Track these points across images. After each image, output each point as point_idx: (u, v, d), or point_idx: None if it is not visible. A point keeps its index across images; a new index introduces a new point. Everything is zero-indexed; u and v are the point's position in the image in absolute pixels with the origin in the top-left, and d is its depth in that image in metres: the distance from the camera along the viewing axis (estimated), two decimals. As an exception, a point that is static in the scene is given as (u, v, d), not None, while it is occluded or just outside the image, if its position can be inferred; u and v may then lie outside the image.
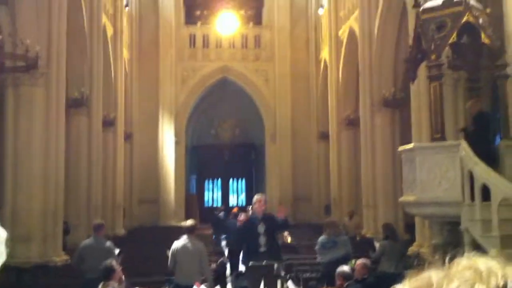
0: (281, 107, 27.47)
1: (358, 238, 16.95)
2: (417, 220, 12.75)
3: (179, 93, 27.25)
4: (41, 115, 13.10)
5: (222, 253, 15.47)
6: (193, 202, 28.04)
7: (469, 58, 8.82)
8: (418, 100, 12.35)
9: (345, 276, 7.33)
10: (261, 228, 9.27)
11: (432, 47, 7.74)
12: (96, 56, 17.63)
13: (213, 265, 11.66)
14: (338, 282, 7.36)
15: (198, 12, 29.33)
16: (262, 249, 9.21)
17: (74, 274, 10.11)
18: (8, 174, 12.73)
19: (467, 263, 1.02)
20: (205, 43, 27.93)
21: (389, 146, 17.00)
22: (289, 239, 16.39)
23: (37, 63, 11.74)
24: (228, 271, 13.92)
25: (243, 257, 9.95)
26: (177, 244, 9.03)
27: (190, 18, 28.77)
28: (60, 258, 13.11)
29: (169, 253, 9.19)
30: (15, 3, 12.91)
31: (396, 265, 10.11)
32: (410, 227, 14.50)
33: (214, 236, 19.59)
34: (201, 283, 8.64)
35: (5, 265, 2.99)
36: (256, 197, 9.73)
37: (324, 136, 24.84)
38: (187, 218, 21.13)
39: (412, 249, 12.77)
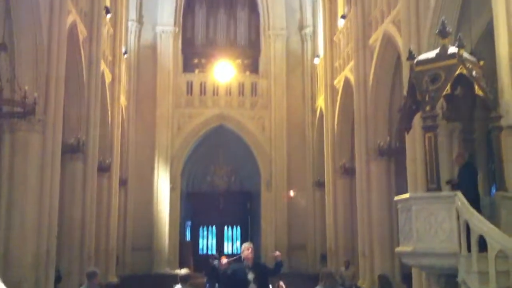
0: (277, 155, 27.55)
1: (354, 289, 16.71)
2: (414, 271, 12.60)
3: (175, 140, 27.35)
4: (36, 161, 13.09)
5: (216, 303, 15.16)
6: (187, 250, 27.69)
7: (463, 109, 8.92)
8: (413, 150, 12.42)
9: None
10: (250, 276, 9.14)
11: (427, 98, 7.83)
12: (94, 102, 17.75)
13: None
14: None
15: (195, 60, 29.75)
16: (252, 297, 9.03)
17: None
18: (1, 218, 12.62)
19: None
20: (202, 90, 28.24)
21: (385, 195, 16.99)
22: (284, 289, 16.10)
23: (34, 109, 11.81)
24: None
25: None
26: (171, 293, 8.87)
27: (188, 66, 29.20)
28: (51, 307, 12.87)
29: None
30: (15, 49, 13.07)
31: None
32: (407, 278, 14.33)
33: (207, 285, 19.26)
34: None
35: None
36: (244, 245, 9.64)
37: (319, 184, 24.82)
38: (181, 265, 20.90)
39: (408, 301, 12.59)
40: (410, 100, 8.62)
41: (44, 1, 13.63)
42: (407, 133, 10.76)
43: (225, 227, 34.03)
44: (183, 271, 9.32)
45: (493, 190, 8.82)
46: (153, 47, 27.74)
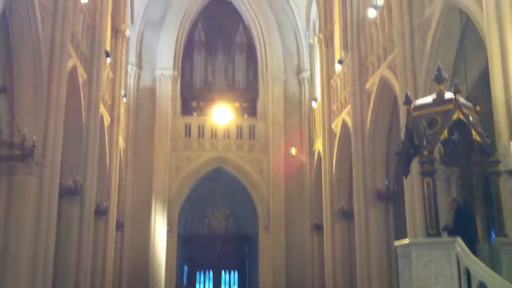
0: (275, 198, 27.43)
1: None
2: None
3: (173, 182, 27.26)
4: (33, 204, 13.03)
5: None
6: (183, 294, 27.30)
7: (460, 154, 8.93)
8: (411, 194, 12.38)
9: None
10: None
11: (424, 143, 7.85)
12: (92, 145, 17.77)
13: None
14: None
15: (194, 103, 29.99)
16: None
17: None
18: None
19: None
20: (201, 133, 28.34)
21: (383, 239, 16.87)
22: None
23: (33, 152, 11.79)
24: None
25: None
26: None
27: (186, 109, 29.39)
28: None
29: None
30: (15, 92, 13.15)
31: None
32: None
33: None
34: None
35: None
36: None
37: (318, 227, 24.64)
38: (177, 311, 20.43)
39: None
40: (408, 144, 8.64)
41: (45, 45, 13.81)
42: (405, 177, 10.74)
43: (222, 271, 33.60)
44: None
45: (493, 236, 8.72)
46: (152, 90, 27.98)
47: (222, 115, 27.72)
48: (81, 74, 17.22)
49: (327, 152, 22.49)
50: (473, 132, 8.10)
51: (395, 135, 16.28)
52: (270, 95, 28.68)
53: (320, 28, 24.17)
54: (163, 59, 28.32)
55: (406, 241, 8.18)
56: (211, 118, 28.02)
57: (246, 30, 30.17)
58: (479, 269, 6.97)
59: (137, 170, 26.52)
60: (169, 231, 26.56)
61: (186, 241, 31.21)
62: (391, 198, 16.97)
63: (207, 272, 33.65)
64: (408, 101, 8.51)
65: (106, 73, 20.70)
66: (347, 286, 20.26)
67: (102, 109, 19.68)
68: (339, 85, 21.99)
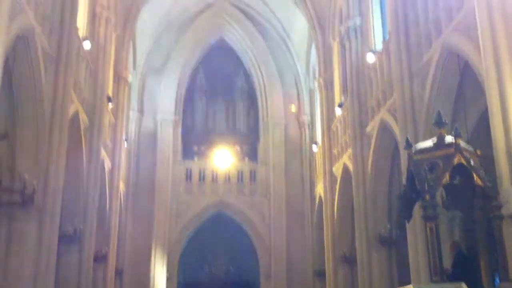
0: (277, 244, 27.16)
1: None
2: None
3: (173, 228, 27.05)
4: (32, 251, 12.85)
5: None
6: None
7: (463, 198, 8.89)
8: (414, 239, 12.24)
9: None
10: None
11: (426, 187, 7.81)
12: (92, 190, 17.69)
13: None
14: None
15: (195, 148, 30.01)
16: None
17: None
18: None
19: None
20: (201, 177, 28.33)
21: (387, 284, 16.59)
22: None
23: (33, 198, 11.75)
24: None
25: None
26: None
27: (187, 153, 29.41)
28: None
29: None
30: (16, 137, 13.14)
31: None
32: None
33: None
34: None
35: None
36: None
37: (320, 274, 24.27)
38: None
39: None
40: (410, 188, 8.61)
41: (47, 91, 13.88)
42: (408, 222, 10.65)
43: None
44: None
45: (497, 280, 8.60)
46: (153, 135, 28.10)
47: (222, 158, 27.78)
48: (83, 120, 17.30)
49: (329, 196, 22.36)
50: (475, 176, 8.08)
51: (397, 178, 16.23)
52: (271, 140, 28.79)
53: (320, 72, 24.43)
54: (165, 104, 28.56)
55: (410, 287, 8.06)
56: (212, 161, 28.05)
57: (247, 75, 30.54)
58: (485, 316, 6.84)
59: (137, 215, 26.33)
60: (168, 279, 26.18)
61: (186, 288, 30.66)
62: (394, 243, 16.78)
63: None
64: (408, 146, 8.52)
65: (108, 119, 20.81)
66: (351, 334, 19.84)
67: (103, 154, 19.69)
68: (339, 129, 22.06)
